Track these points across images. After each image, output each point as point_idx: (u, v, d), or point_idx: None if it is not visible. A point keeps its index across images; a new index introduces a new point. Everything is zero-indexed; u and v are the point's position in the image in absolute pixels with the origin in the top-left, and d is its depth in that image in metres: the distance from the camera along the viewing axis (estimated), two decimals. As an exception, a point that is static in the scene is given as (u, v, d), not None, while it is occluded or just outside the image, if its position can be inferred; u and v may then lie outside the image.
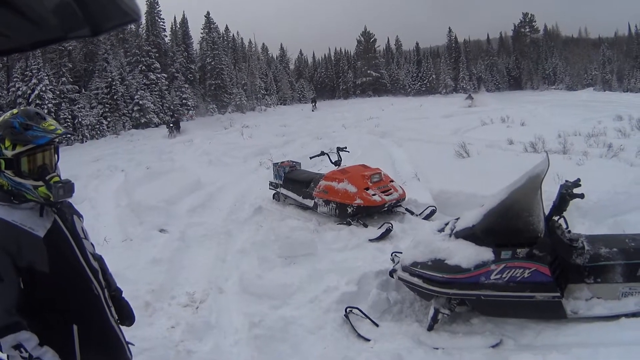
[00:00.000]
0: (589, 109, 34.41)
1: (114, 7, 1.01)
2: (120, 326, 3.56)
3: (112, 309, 3.43)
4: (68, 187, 3.04)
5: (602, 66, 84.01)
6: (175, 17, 66.78)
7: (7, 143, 2.94)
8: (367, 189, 10.28)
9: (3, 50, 1.04)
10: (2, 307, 2.75)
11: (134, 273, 7.71)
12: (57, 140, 3.11)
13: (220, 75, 62.74)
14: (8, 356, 2.81)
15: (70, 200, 3.24)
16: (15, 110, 3.09)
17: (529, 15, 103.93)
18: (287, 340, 6.01)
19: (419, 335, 6.01)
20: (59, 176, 3.13)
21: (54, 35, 1.01)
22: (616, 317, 5.44)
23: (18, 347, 2.73)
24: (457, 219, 6.68)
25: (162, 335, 6.19)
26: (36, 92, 37.06)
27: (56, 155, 3.20)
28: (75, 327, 3.07)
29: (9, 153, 2.94)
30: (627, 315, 5.42)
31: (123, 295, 3.81)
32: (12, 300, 2.77)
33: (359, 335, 6.14)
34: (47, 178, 3.02)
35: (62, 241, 3.11)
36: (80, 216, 3.45)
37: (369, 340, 6.04)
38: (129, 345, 3.59)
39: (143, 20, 56.39)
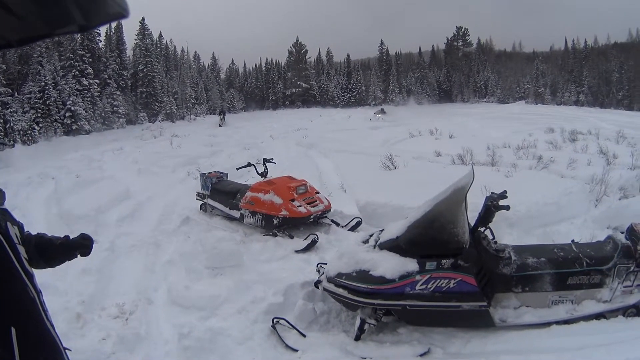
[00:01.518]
0: (521, 122, 35.17)
1: (102, 3, 1.02)
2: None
3: (48, 313, 3.38)
4: (0, 196, 3.07)
5: (536, 79, 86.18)
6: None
7: None
8: (293, 200, 10.33)
9: None
10: None
11: (64, 284, 7.57)
12: None
13: (151, 83, 61.60)
14: None
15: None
16: None
17: (463, 29, 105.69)
18: (215, 351, 6.02)
19: (346, 345, 6.07)
20: None
21: (42, 31, 1.02)
22: (547, 324, 5.64)
23: None
24: (382, 230, 6.76)
25: (93, 347, 6.08)
26: (-32, 94, 35.72)
27: None
28: (13, 330, 3.01)
29: None
30: (558, 323, 5.64)
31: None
32: None
33: (287, 346, 6.15)
34: None
35: None
36: (14, 223, 3.44)
37: (296, 350, 6.05)
38: (66, 351, 3.52)
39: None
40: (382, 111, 57.66)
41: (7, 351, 2.97)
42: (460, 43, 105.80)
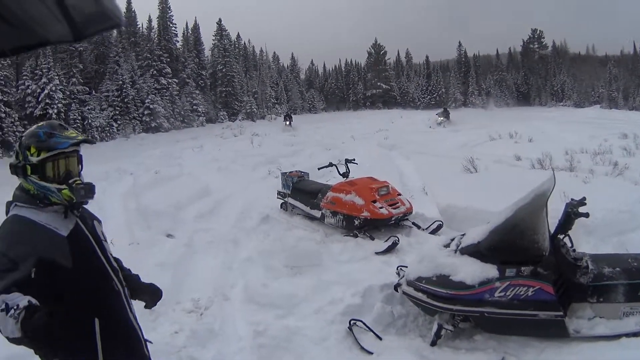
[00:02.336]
0: (596, 127, 34.32)
1: (96, 12, 1.02)
2: (139, 321, 3.69)
3: (132, 306, 3.63)
4: (89, 188, 3.28)
5: (609, 84, 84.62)
6: (187, 23, 66.77)
7: (33, 150, 3.16)
8: (375, 201, 10.25)
9: None
10: (4, 284, 2.81)
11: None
12: (79, 149, 3.33)
13: (231, 83, 62.97)
14: None
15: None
16: (40, 124, 3.34)
17: (538, 31, 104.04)
18: (290, 351, 6.01)
19: (422, 350, 5.97)
20: (82, 180, 3.32)
21: (36, 40, 1.00)
22: (617, 336, 5.47)
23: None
24: (463, 234, 6.68)
25: (164, 340, 6.19)
26: (46, 91, 37.02)
27: (80, 165, 3.40)
28: (97, 321, 3.22)
29: (34, 159, 3.16)
30: (627, 335, 5.45)
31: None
32: (16, 282, 2.84)
33: (362, 348, 6.10)
34: (70, 182, 3.21)
35: (84, 241, 3.31)
36: (99, 222, 3.65)
37: (371, 353, 6.00)
38: (147, 343, 3.75)
39: (155, 24, 57.52)
40: (445, 113, 48.74)
41: (89, 340, 3.19)
42: (536, 45, 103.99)
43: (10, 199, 3.31)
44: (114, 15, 1.04)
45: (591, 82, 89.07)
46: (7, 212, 3.28)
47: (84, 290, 3.18)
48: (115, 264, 3.52)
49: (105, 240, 3.55)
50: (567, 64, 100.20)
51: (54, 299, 3.01)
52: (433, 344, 6.04)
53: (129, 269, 3.94)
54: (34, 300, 2.76)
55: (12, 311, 2.68)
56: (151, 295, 3.88)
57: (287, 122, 49.57)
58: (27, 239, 3.05)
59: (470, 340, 6.08)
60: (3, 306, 2.73)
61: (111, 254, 3.53)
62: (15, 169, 3.24)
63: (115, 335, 3.32)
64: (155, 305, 3.96)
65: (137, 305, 3.90)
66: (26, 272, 2.90)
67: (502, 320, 5.74)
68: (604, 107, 75.99)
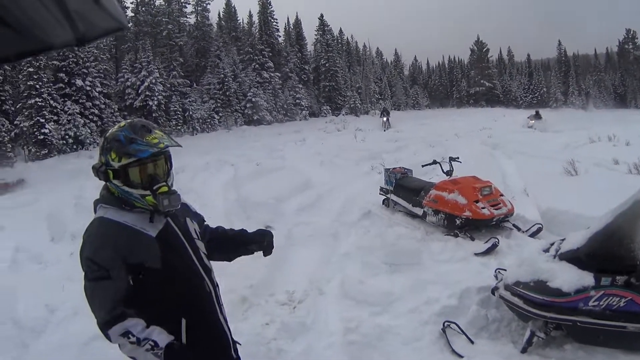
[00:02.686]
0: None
1: (99, 16, 1.02)
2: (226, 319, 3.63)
3: (223, 307, 3.58)
4: (174, 198, 3.16)
5: None
6: (288, 18, 67.81)
7: (114, 155, 3.07)
8: (477, 201, 10.08)
9: None
10: (108, 302, 2.87)
11: (233, 267, 7.63)
12: (165, 151, 3.21)
13: (334, 77, 63.63)
14: (119, 345, 2.93)
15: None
16: (122, 123, 3.22)
17: (632, 32, 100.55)
18: (381, 349, 6.00)
19: (512, 356, 5.93)
20: (168, 186, 3.21)
21: (39, 46, 0.98)
22: None
23: (126, 334, 2.83)
24: (563, 239, 6.54)
25: (255, 331, 6.29)
26: (146, 83, 38.62)
27: (168, 164, 3.31)
28: (184, 321, 3.20)
29: (115, 164, 3.08)
30: None
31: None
32: (118, 295, 2.89)
33: (453, 351, 6.08)
34: (154, 188, 3.12)
35: (174, 239, 3.25)
36: (193, 218, 3.57)
37: (462, 357, 5.96)
38: (237, 345, 3.69)
39: (255, 19, 58.75)
40: (537, 116, 45.74)
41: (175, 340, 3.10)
42: (630, 46, 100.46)
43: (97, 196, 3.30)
44: (116, 19, 1.06)
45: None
46: (95, 211, 3.27)
47: (173, 290, 3.17)
48: (208, 264, 3.48)
49: (199, 239, 3.48)
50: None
51: (144, 301, 3.04)
52: (524, 350, 6.00)
53: (231, 229, 3.93)
54: (170, 337, 2.89)
55: (147, 345, 2.80)
56: (263, 241, 3.83)
57: (385, 119, 44.97)
58: (113, 241, 3.03)
59: (560, 350, 6.00)
60: (133, 339, 2.82)
61: (204, 253, 3.47)
62: (97, 173, 3.18)
63: (203, 336, 3.32)
64: (273, 248, 3.88)
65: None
66: (125, 285, 2.95)
67: (592, 331, 5.64)
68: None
